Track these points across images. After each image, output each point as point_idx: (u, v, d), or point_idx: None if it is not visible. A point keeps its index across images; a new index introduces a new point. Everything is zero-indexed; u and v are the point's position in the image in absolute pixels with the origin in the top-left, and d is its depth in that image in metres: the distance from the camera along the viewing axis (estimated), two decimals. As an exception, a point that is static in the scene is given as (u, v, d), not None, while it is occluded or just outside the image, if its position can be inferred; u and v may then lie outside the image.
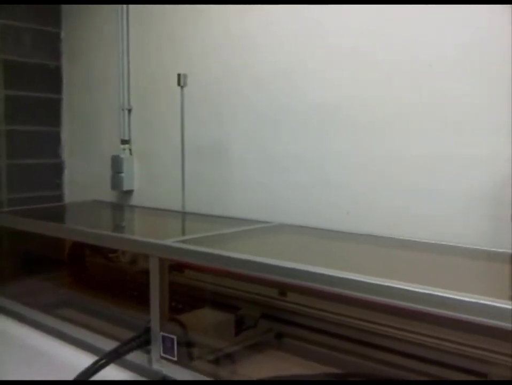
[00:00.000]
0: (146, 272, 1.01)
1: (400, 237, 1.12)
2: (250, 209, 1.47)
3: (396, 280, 0.73)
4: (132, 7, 1.81)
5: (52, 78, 2.07)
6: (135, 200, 1.83)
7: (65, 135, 2.11)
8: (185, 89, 1.59)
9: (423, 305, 0.69)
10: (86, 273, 1.46)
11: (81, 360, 1.06)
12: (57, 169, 2.10)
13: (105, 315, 1.23)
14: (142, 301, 1.03)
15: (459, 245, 1.04)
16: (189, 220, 1.47)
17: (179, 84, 1.52)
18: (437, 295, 0.68)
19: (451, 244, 1.05)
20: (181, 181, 1.56)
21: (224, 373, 0.97)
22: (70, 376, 0.92)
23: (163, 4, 1.70)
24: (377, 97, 1.24)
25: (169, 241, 1.00)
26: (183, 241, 1.01)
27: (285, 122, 1.41)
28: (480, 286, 0.84)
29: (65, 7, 2.08)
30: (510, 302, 0.63)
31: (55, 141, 2.09)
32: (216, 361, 1.00)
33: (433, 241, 1.07)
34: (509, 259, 0.97)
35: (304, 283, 0.82)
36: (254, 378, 0.96)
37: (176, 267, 1.02)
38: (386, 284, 0.73)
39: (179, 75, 1.51)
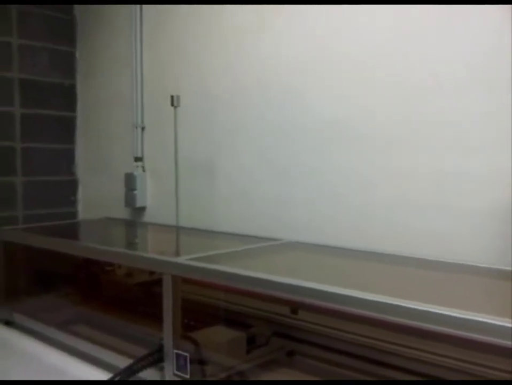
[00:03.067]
0: (158, 289, 1.02)
1: (411, 255, 1.12)
2: (262, 226, 1.48)
3: (408, 299, 0.73)
4: (146, 26, 1.84)
5: (66, 97, 2.11)
6: (148, 217, 1.85)
7: (79, 152, 2.14)
8: (194, 106, 1.62)
9: (436, 324, 0.69)
10: (99, 290, 1.47)
11: (94, 377, 1.07)
12: (72, 186, 2.13)
13: (118, 332, 1.24)
14: (155, 318, 1.04)
15: (468, 263, 1.04)
16: (201, 237, 1.48)
17: (172, 104, 1.62)
18: (451, 316, 0.68)
19: (460, 262, 1.05)
20: (176, 195, 1.68)
21: (236, 391, 0.97)
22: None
23: (176, 23, 1.73)
24: (387, 113, 1.25)
25: (182, 259, 1.02)
26: (196, 259, 1.02)
27: (296, 138, 1.42)
28: (488, 305, 0.84)
29: (80, 27, 2.12)
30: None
31: (69, 158, 2.12)
32: (228, 379, 1.01)
33: (442, 259, 1.08)
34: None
35: (316, 301, 0.82)
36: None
37: (189, 284, 1.03)
38: (397, 303, 0.73)
39: (172, 96, 1.62)
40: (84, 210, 2.13)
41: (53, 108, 2.07)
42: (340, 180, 1.34)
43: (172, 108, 1.65)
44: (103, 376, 1.00)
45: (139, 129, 1.86)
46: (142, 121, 1.86)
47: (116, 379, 0.96)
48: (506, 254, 1.07)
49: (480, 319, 0.66)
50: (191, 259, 1.02)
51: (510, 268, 1.00)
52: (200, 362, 0.99)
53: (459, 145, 1.14)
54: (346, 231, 1.32)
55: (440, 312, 0.69)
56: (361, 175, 1.30)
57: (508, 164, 1.08)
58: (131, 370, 0.98)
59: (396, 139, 1.24)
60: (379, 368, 0.97)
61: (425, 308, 0.70)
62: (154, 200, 1.84)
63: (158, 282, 1.03)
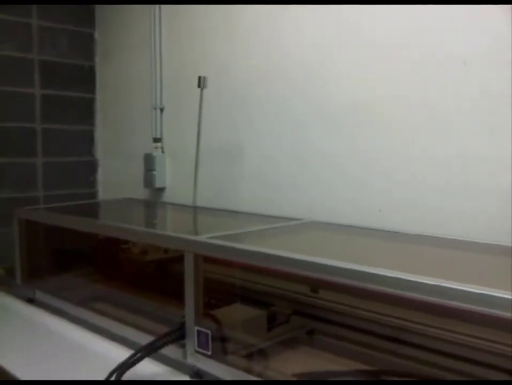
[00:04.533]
0: (180, 268, 1.03)
1: (432, 234, 1.11)
2: (280, 208, 1.48)
3: (429, 276, 0.73)
4: (165, 8, 1.84)
5: (86, 78, 2.11)
6: (167, 197, 1.86)
7: (98, 133, 2.15)
8: (214, 90, 1.61)
9: (455, 300, 0.69)
10: (119, 269, 1.49)
11: (115, 353, 1.09)
12: (91, 167, 2.14)
13: (138, 309, 1.25)
14: (176, 296, 1.04)
15: (489, 242, 1.03)
16: (221, 217, 1.48)
17: (199, 86, 1.55)
18: (467, 291, 0.68)
19: (483, 241, 1.04)
20: (194, 178, 1.64)
21: (257, 368, 0.98)
22: (105, 368, 0.95)
23: (195, 4, 1.71)
24: (410, 96, 1.23)
25: (203, 237, 1.02)
26: (217, 238, 1.02)
27: (315, 122, 1.41)
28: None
29: (99, 8, 2.12)
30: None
31: (89, 140, 2.13)
32: (249, 356, 1.01)
33: (463, 239, 1.07)
34: None
35: (336, 278, 0.82)
36: (287, 374, 0.97)
37: (210, 262, 1.03)
38: (416, 279, 0.72)
39: (199, 78, 1.55)
40: (104, 191, 2.14)
41: (72, 90, 2.07)
42: (363, 163, 1.33)
43: (193, 89, 1.65)
44: (124, 352, 1.01)
45: (158, 110, 1.86)
46: (161, 102, 1.86)
47: (137, 356, 0.97)
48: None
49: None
50: (212, 237, 1.02)
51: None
52: (221, 339, 1.00)
53: (481, 128, 1.13)
54: (366, 213, 1.31)
55: (458, 287, 0.69)
56: (384, 158, 1.28)
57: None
58: (153, 346, 0.99)
59: (421, 122, 1.22)
60: (399, 345, 0.97)
61: (444, 284, 0.70)
62: (173, 180, 1.84)
63: (178, 260, 1.03)
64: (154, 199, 1.89)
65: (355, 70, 1.32)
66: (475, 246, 1.03)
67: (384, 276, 0.76)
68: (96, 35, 2.13)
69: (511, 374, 0.83)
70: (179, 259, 1.02)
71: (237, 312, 1.08)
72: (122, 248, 1.44)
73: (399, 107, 1.25)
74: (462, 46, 1.14)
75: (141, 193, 1.91)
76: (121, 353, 1.02)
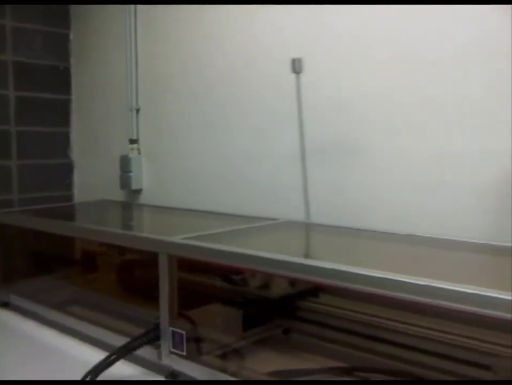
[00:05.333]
0: (155, 269, 1.03)
1: (408, 233, 1.13)
2: (258, 206, 1.48)
3: (404, 274, 0.74)
4: (140, 8, 1.83)
5: (61, 79, 2.10)
6: (144, 199, 1.85)
7: (74, 135, 2.13)
8: (190, 90, 1.61)
9: (426, 297, 0.70)
10: (95, 271, 1.48)
11: (92, 356, 1.08)
12: (67, 170, 2.12)
13: (115, 312, 1.25)
14: (152, 298, 1.04)
15: (465, 239, 1.05)
16: (198, 217, 1.48)
17: (294, 70, 1.32)
18: (436, 287, 0.69)
19: (458, 238, 1.06)
20: (304, 182, 1.36)
21: (232, 367, 0.98)
22: (81, 372, 0.94)
23: (170, 4, 1.71)
24: (386, 94, 1.25)
25: (177, 238, 1.02)
26: (191, 238, 1.02)
27: (295, 120, 1.42)
28: (486, 279, 0.84)
29: (74, 9, 2.10)
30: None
31: (64, 141, 2.11)
32: (224, 356, 1.02)
33: (439, 236, 1.08)
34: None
35: (312, 278, 0.83)
36: (261, 373, 0.97)
37: (185, 263, 1.03)
38: (389, 277, 0.73)
39: (293, 60, 1.31)
40: (80, 194, 2.12)
41: (48, 91, 2.05)
42: (343, 160, 1.34)
43: (169, 89, 1.64)
44: (100, 355, 1.00)
45: (134, 111, 1.85)
46: (137, 103, 1.85)
47: (112, 357, 0.97)
48: (503, 231, 1.08)
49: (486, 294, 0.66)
50: (186, 238, 1.03)
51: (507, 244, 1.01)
52: (196, 339, 1.00)
53: (457, 125, 1.15)
54: (346, 212, 1.32)
55: (428, 284, 0.70)
56: (364, 156, 1.30)
57: (504, 143, 1.09)
58: (127, 348, 0.99)
59: (396, 120, 1.23)
60: (376, 343, 0.98)
61: (414, 281, 0.71)
62: (150, 182, 1.84)
63: (155, 262, 1.03)
64: (130, 201, 1.88)
65: (333, 68, 1.34)
66: (451, 243, 1.05)
67: (358, 274, 0.77)
68: (71, 36, 2.12)
69: (484, 368, 0.84)
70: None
71: (212, 312, 1.08)
72: (102, 251, 1.43)
73: (378, 104, 1.26)
74: (434, 46, 1.16)
75: (117, 195, 1.90)
76: (97, 356, 1.01)
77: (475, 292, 0.66)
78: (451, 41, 1.14)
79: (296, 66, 1.29)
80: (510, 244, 1.00)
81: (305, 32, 1.37)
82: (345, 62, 1.31)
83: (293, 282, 1.04)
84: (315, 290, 1.00)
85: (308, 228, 1.27)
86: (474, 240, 1.04)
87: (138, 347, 1.00)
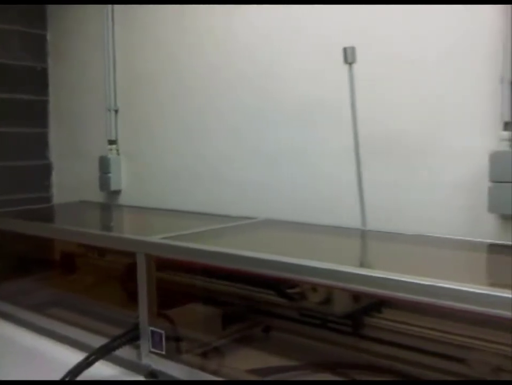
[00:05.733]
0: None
1: (382, 230, 1.14)
2: (236, 205, 1.49)
3: (377, 269, 0.75)
4: (117, 8, 1.82)
5: (38, 80, 2.08)
6: (123, 200, 1.84)
7: (52, 136, 2.11)
8: (169, 90, 1.60)
9: (404, 292, 0.71)
10: (74, 273, 1.47)
11: (71, 358, 1.07)
12: (45, 171, 2.10)
13: (94, 313, 1.24)
14: (132, 298, 1.04)
15: (439, 235, 1.06)
16: (177, 217, 1.48)
17: (346, 60, 1.16)
18: (419, 284, 0.69)
19: (432, 234, 1.07)
20: (359, 184, 1.19)
21: (212, 366, 0.98)
22: (61, 373, 0.94)
23: (148, 4, 1.71)
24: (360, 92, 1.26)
25: (155, 238, 1.02)
26: (169, 238, 1.03)
27: (271, 118, 1.43)
28: (461, 275, 0.86)
29: (50, 9, 2.08)
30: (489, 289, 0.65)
31: (42, 143, 2.10)
32: (204, 355, 1.02)
33: (414, 233, 1.10)
34: (486, 248, 1.00)
35: (290, 275, 0.84)
36: (241, 370, 0.98)
37: (163, 263, 1.03)
38: (366, 273, 0.75)
39: (345, 50, 1.15)
40: (59, 195, 2.11)
41: (25, 92, 2.04)
42: (318, 158, 1.35)
43: (148, 89, 1.63)
44: (79, 356, 1.00)
45: (113, 112, 1.84)
46: (115, 104, 1.85)
47: (92, 358, 0.97)
48: (477, 227, 1.10)
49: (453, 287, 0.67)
50: (164, 238, 1.03)
51: (480, 240, 1.03)
52: (176, 339, 1.00)
53: (429, 123, 1.16)
54: (322, 210, 1.33)
55: (401, 279, 0.71)
56: (336, 152, 1.31)
57: (477, 140, 1.11)
58: (106, 348, 0.99)
59: (370, 117, 1.25)
60: (356, 339, 0.99)
61: (395, 278, 0.72)
62: (130, 183, 1.83)
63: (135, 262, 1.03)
64: (109, 202, 1.87)
65: (308, 67, 1.35)
66: (435, 240, 1.07)
67: (336, 271, 0.77)
68: (48, 36, 2.10)
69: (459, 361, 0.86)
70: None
71: (191, 311, 1.08)
72: (81, 252, 1.43)
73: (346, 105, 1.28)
74: (413, 47, 1.18)
75: (97, 196, 1.89)
76: (76, 357, 1.01)
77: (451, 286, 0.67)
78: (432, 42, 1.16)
79: (349, 56, 1.15)
80: (484, 240, 1.02)
81: (284, 31, 1.39)
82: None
83: (356, 297, 0.96)
84: (379, 305, 0.94)
85: (286, 226, 1.28)
86: (448, 236, 1.06)
87: (118, 347, 1.00)
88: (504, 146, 1.07)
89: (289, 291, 1.03)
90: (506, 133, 1.07)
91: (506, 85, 1.06)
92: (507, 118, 1.07)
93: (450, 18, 1.14)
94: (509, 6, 1.06)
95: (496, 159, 1.06)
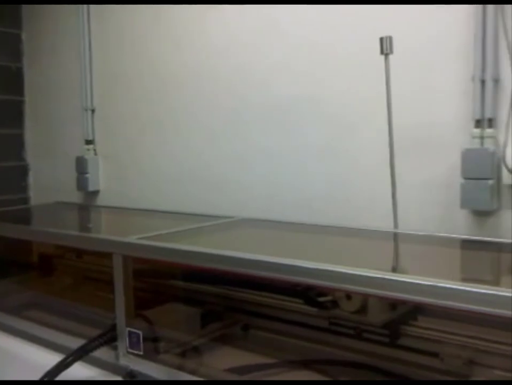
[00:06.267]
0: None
1: (358, 227, 1.15)
2: (212, 205, 1.49)
3: (350, 266, 0.75)
4: (93, 7, 1.81)
5: (13, 80, 2.06)
6: (101, 200, 1.84)
7: (29, 137, 2.09)
8: (142, 89, 1.60)
9: (376, 289, 0.72)
10: (52, 275, 1.46)
11: (49, 360, 1.07)
12: (22, 172, 2.08)
13: (73, 315, 1.24)
14: (110, 299, 1.04)
15: (413, 232, 1.08)
16: (154, 218, 1.48)
17: (382, 51, 1.10)
18: (392, 280, 0.70)
19: (408, 231, 1.09)
20: (392, 189, 1.12)
21: (191, 365, 0.99)
22: (39, 375, 0.94)
23: (124, 4, 1.70)
24: (333, 89, 1.28)
25: (131, 239, 1.02)
26: (146, 238, 1.03)
27: (246, 117, 1.44)
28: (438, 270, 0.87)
29: (25, 9, 2.06)
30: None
31: (19, 143, 2.07)
32: (183, 354, 1.02)
33: (390, 230, 1.11)
34: (459, 244, 1.02)
35: (264, 273, 0.84)
36: (220, 369, 0.98)
37: (141, 263, 1.03)
38: (338, 270, 0.75)
39: (381, 40, 1.10)
40: (36, 196, 2.09)
41: (0, 93, 2.01)
42: (292, 158, 1.36)
43: (125, 89, 1.63)
44: (57, 358, 1.00)
45: (89, 112, 1.83)
46: (92, 103, 1.83)
47: (69, 359, 0.96)
48: (447, 222, 1.12)
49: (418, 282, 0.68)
50: (140, 238, 1.03)
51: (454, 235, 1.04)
52: (154, 339, 1.01)
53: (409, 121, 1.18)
54: (294, 207, 1.35)
55: (370, 275, 0.72)
56: (314, 151, 1.32)
57: (449, 137, 1.13)
58: (83, 350, 0.99)
59: (346, 115, 1.26)
60: (332, 336, 1.00)
61: (355, 272, 0.73)
62: (107, 183, 1.82)
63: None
64: (87, 203, 1.86)
65: (282, 67, 1.36)
66: (411, 237, 1.08)
67: (312, 269, 0.78)
68: (23, 36, 2.08)
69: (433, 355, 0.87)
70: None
71: (170, 311, 1.09)
72: (59, 254, 1.42)
73: (328, 99, 1.29)
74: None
75: (74, 197, 1.88)
76: (54, 359, 1.01)
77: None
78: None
79: (384, 46, 1.09)
80: (457, 235, 1.04)
81: (259, 32, 1.39)
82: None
83: (393, 305, 0.92)
84: (414, 312, 0.91)
85: (262, 225, 1.28)
86: (423, 232, 1.07)
87: (95, 348, 1.00)
88: (475, 144, 1.09)
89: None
90: (477, 131, 1.09)
91: (477, 84, 1.09)
92: (478, 116, 1.09)
93: (422, 18, 1.16)
94: (480, 6, 1.08)
95: (468, 156, 1.08)
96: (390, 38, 1.08)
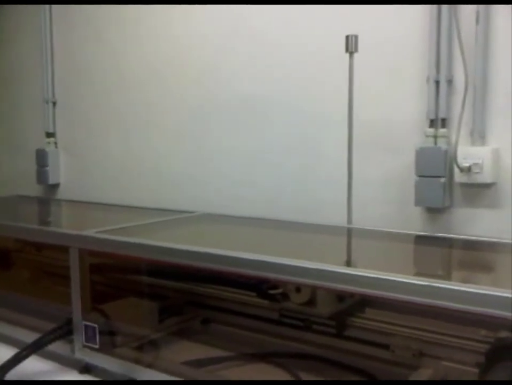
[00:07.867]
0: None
1: (317, 222, 1.17)
2: (174, 200, 1.50)
3: (299, 259, 0.77)
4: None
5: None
6: (62, 194, 1.82)
7: (-13, 129, 2.05)
8: (105, 83, 1.59)
9: (335, 282, 0.73)
10: (11, 268, 1.44)
11: (3, 354, 1.06)
12: (-20, 164, 2.04)
13: (29, 309, 1.22)
14: (68, 293, 1.03)
15: (368, 228, 1.10)
16: (114, 212, 1.47)
17: (347, 50, 1.11)
18: (355, 275, 0.71)
19: (362, 226, 1.12)
20: (348, 182, 1.14)
21: (148, 358, 0.99)
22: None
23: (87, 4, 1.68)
24: (299, 86, 1.29)
25: (89, 232, 1.02)
26: (104, 232, 1.02)
27: (211, 115, 1.44)
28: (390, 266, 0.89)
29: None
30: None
31: (-23, 135, 2.03)
32: (140, 348, 1.02)
33: (344, 225, 1.14)
34: (412, 239, 1.05)
35: (221, 267, 0.85)
36: (178, 362, 0.99)
37: (99, 257, 1.03)
38: (286, 262, 0.77)
39: (347, 38, 1.10)
40: (-5, 189, 2.05)
41: (-42, 83, 1.97)
42: (255, 155, 1.37)
43: (86, 82, 1.60)
44: (10, 352, 0.99)
45: (50, 104, 1.81)
46: (53, 96, 1.81)
47: (23, 353, 0.96)
48: (402, 219, 1.15)
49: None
50: (98, 232, 1.02)
51: (410, 232, 1.07)
52: (110, 333, 1.00)
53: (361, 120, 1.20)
54: (259, 204, 1.36)
55: (321, 268, 0.73)
56: (278, 149, 1.34)
57: (407, 137, 1.16)
58: (38, 344, 0.98)
59: (306, 115, 1.28)
60: (292, 330, 1.01)
61: (310, 266, 0.74)
62: (68, 176, 1.80)
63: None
64: (47, 196, 1.84)
65: (248, 63, 1.37)
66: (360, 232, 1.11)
67: (262, 262, 0.79)
68: (-18, 26, 2.03)
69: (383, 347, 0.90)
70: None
71: (127, 306, 1.08)
72: (15, 248, 1.39)
73: (289, 97, 1.31)
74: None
75: (34, 190, 1.85)
76: (8, 353, 1.00)
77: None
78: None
79: (350, 45, 1.10)
80: (410, 232, 1.07)
81: (224, 30, 1.40)
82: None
83: (340, 297, 0.94)
84: (362, 305, 0.93)
85: (223, 220, 1.29)
86: (376, 228, 1.10)
87: (50, 342, 0.99)
88: (429, 142, 1.12)
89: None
90: (431, 130, 1.12)
91: (431, 85, 1.11)
92: (432, 116, 1.12)
93: (380, 18, 1.18)
94: (434, 6, 1.10)
95: (421, 154, 1.11)
96: (356, 36, 1.09)
